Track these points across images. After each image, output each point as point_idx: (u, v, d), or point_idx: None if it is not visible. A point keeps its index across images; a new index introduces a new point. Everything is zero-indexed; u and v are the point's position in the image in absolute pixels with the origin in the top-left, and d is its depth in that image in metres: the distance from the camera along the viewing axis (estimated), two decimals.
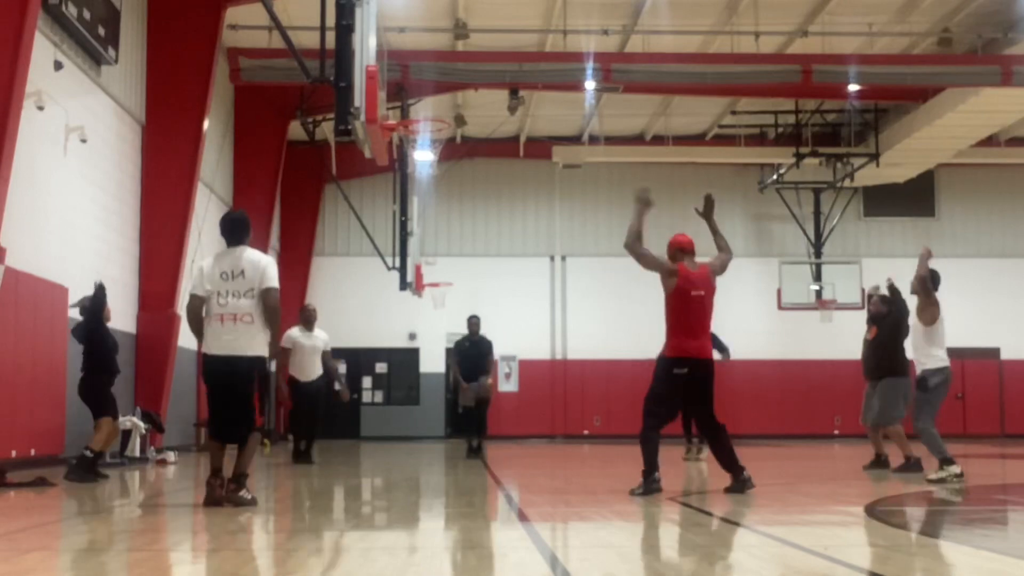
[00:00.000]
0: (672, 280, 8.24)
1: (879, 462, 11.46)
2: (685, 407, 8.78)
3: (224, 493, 7.25)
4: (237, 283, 7.24)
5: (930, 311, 9.97)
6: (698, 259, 8.49)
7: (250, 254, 7.36)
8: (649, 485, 8.02)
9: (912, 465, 10.94)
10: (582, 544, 5.66)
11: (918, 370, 10.07)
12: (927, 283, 10.02)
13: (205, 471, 12.81)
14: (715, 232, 8.83)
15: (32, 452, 11.89)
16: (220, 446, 7.47)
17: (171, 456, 13.80)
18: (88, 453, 10.46)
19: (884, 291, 11.79)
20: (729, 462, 8.21)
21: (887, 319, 11.51)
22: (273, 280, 7.31)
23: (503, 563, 4.90)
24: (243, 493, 7.28)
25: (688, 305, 8.24)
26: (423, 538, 6.12)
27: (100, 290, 11.04)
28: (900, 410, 11.27)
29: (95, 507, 7.89)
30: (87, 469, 10.30)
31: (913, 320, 10.24)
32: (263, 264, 7.33)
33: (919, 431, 9.88)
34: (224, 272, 7.28)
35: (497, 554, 5.21)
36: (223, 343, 7.24)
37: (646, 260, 8.33)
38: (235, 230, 7.48)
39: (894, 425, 11.27)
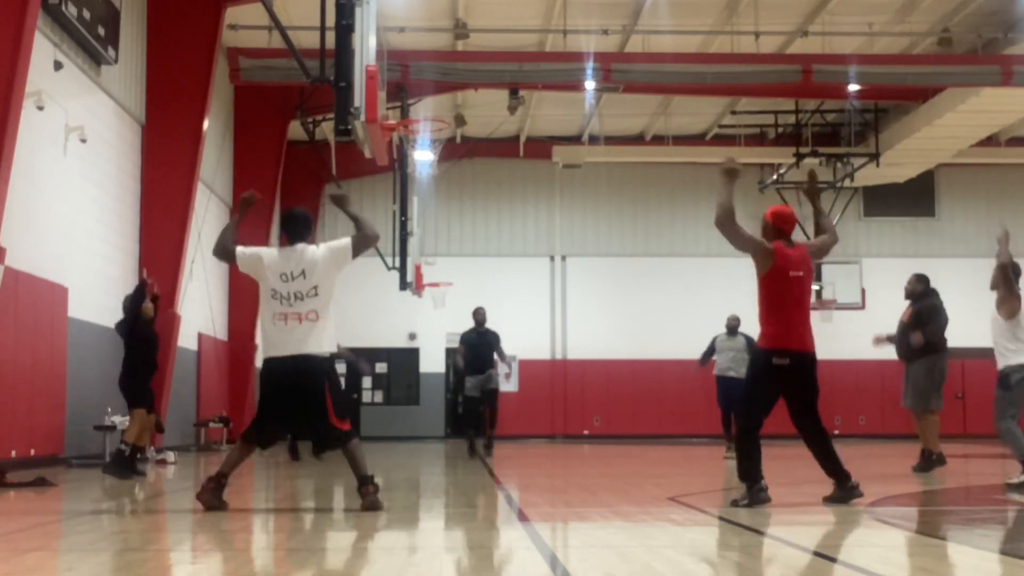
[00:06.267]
0: (768, 261, 7.34)
1: (933, 460, 10.97)
2: (788, 403, 7.47)
3: (363, 499, 6.91)
4: (299, 284, 6.95)
5: (1010, 303, 9.25)
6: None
7: (310, 252, 7.07)
8: (755, 495, 7.13)
9: (934, 462, 10.62)
10: (582, 544, 5.66)
11: (1000, 365, 9.29)
12: (1008, 272, 9.28)
13: (205, 472, 12.81)
14: (819, 212, 8.08)
15: (32, 452, 11.89)
16: (247, 452, 7.15)
17: (171, 456, 13.80)
18: (123, 447, 10.76)
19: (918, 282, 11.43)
20: (834, 468, 7.35)
21: (923, 299, 11.16)
22: (344, 241, 7.08)
23: (503, 563, 4.90)
24: (380, 496, 6.98)
25: (786, 288, 7.34)
26: (423, 538, 6.11)
27: (140, 287, 11.53)
28: (937, 395, 10.84)
29: (95, 507, 7.89)
30: (123, 464, 10.57)
31: (992, 314, 9.51)
32: (319, 255, 7.03)
33: (1000, 431, 9.20)
34: (284, 273, 6.98)
35: (497, 554, 5.20)
36: (288, 344, 6.91)
37: (740, 239, 7.37)
38: (296, 227, 7.20)
39: (930, 412, 10.84)
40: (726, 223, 7.29)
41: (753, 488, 7.15)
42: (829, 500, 7.31)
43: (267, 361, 7.05)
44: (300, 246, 7.12)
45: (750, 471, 7.21)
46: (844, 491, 7.27)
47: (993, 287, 9.50)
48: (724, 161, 7.39)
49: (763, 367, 7.33)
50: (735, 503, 7.21)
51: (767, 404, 7.35)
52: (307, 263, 7.01)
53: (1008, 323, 9.27)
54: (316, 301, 6.95)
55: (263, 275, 7.05)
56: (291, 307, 6.94)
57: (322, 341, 6.96)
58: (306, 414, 7.00)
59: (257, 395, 7.25)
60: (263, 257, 7.12)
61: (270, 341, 7.03)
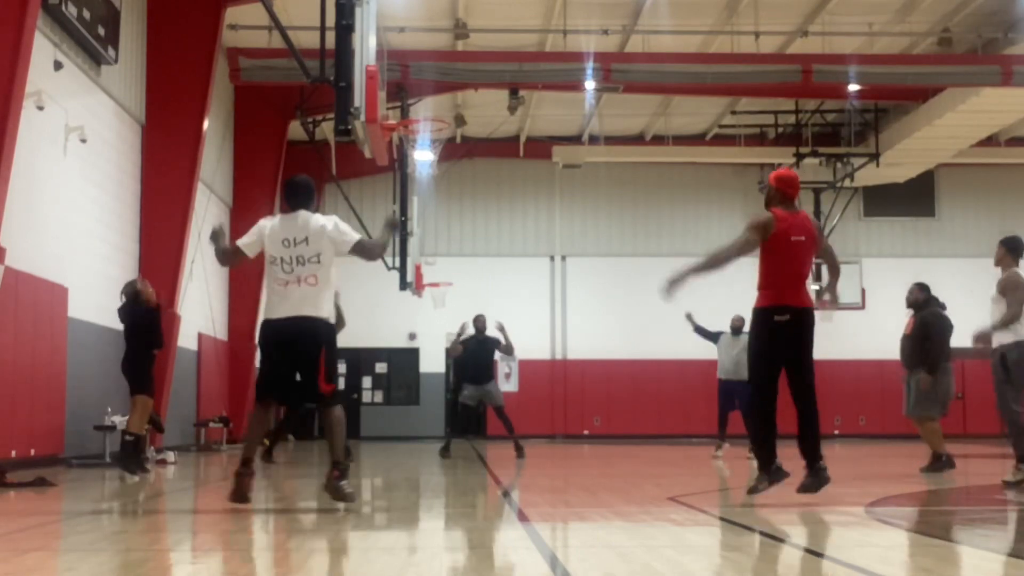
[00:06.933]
0: (769, 228, 7.21)
1: (943, 462, 10.95)
2: (787, 368, 7.32)
3: (327, 482, 6.95)
4: (301, 249, 6.95)
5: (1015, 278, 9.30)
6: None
7: (313, 219, 7.06)
8: (774, 475, 7.12)
9: (943, 464, 10.67)
10: (582, 544, 5.66)
11: (994, 344, 9.31)
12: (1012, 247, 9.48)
13: (205, 472, 12.84)
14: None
15: (32, 452, 11.89)
16: (265, 413, 7.14)
17: (171, 456, 13.80)
18: (129, 438, 10.82)
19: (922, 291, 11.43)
20: (812, 448, 7.25)
21: (925, 307, 11.21)
22: (352, 234, 7.01)
23: (503, 563, 4.90)
24: (344, 484, 6.92)
25: (786, 252, 7.20)
26: (423, 538, 6.11)
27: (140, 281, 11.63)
28: (936, 404, 10.93)
29: (95, 507, 7.89)
30: (130, 456, 10.63)
31: (994, 294, 9.59)
32: (327, 226, 7.00)
33: (1004, 419, 9.13)
34: (286, 239, 6.99)
35: (497, 554, 5.21)
36: (286, 306, 6.93)
37: (741, 249, 7.25)
38: (297, 194, 7.16)
39: (930, 419, 10.91)
40: (722, 261, 7.21)
41: (770, 468, 7.17)
42: (803, 488, 7.32)
43: (265, 322, 7.07)
44: (303, 213, 7.12)
45: (763, 454, 7.23)
46: (815, 476, 7.26)
47: (997, 263, 9.62)
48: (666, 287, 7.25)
49: (763, 325, 7.27)
50: (753, 490, 7.22)
51: (774, 365, 7.27)
52: (311, 230, 7.01)
53: (1009, 299, 9.28)
54: (317, 267, 6.96)
55: (266, 245, 7.06)
56: (292, 273, 6.96)
57: (321, 305, 6.98)
58: (298, 371, 7.00)
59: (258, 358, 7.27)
60: (264, 227, 7.13)
61: (270, 305, 7.05)
